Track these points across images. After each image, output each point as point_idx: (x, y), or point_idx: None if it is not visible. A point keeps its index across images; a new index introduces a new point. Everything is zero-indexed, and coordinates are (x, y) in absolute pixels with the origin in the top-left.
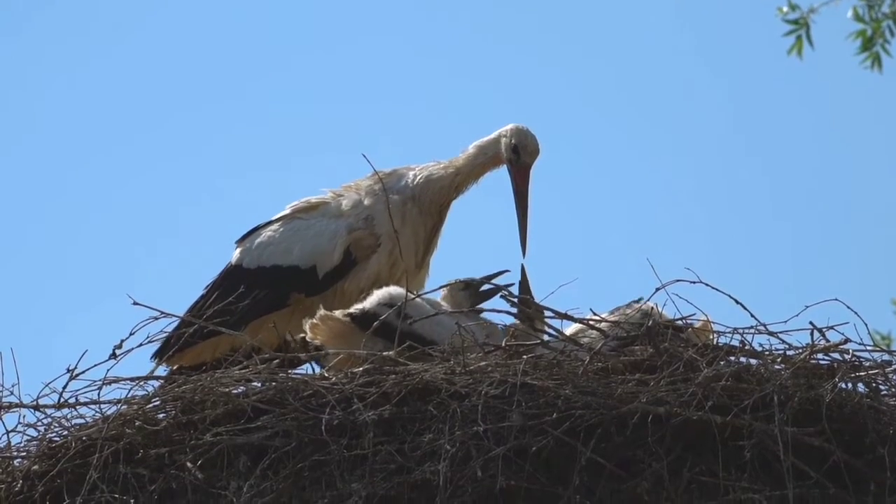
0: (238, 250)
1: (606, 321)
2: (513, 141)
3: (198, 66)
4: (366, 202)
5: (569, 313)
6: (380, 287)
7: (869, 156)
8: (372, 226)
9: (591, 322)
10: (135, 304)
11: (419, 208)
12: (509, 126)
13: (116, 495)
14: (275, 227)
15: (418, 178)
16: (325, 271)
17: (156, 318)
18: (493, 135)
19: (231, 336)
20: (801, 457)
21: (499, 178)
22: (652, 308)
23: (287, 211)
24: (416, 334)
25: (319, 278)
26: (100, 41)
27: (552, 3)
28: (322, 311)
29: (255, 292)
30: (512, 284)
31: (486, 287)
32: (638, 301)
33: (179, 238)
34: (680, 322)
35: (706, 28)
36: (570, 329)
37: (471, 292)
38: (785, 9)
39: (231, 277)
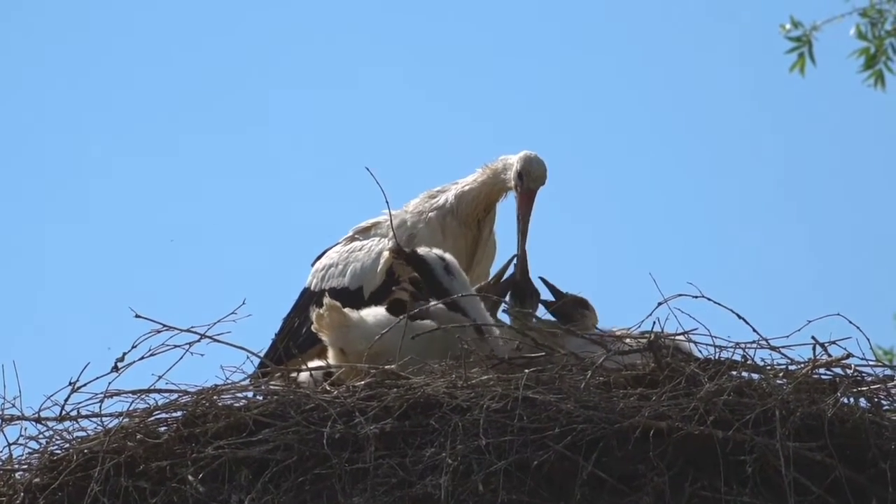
0: (310, 273)
1: (610, 335)
2: (517, 167)
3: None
4: (409, 221)
5: (570, 328)
6: None
7: (871, 173)
8: (413, 244)
9: (592, 337)
10: (137, 316)
11: (458, 221)
12: (520, 154)
13: None
14: (338, 248)
15: (455, 191)
16: (370, 291)
17: (157, 332)
18: (511, 159)
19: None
20: (802, 472)
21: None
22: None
23: (350, 233)
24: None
25: (365, 298)
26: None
27: (556, 10)
28: (328, 300)
29: None
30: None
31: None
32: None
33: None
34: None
35: (709, 45)
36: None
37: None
38: (788, 26)
39: (304, 299)
